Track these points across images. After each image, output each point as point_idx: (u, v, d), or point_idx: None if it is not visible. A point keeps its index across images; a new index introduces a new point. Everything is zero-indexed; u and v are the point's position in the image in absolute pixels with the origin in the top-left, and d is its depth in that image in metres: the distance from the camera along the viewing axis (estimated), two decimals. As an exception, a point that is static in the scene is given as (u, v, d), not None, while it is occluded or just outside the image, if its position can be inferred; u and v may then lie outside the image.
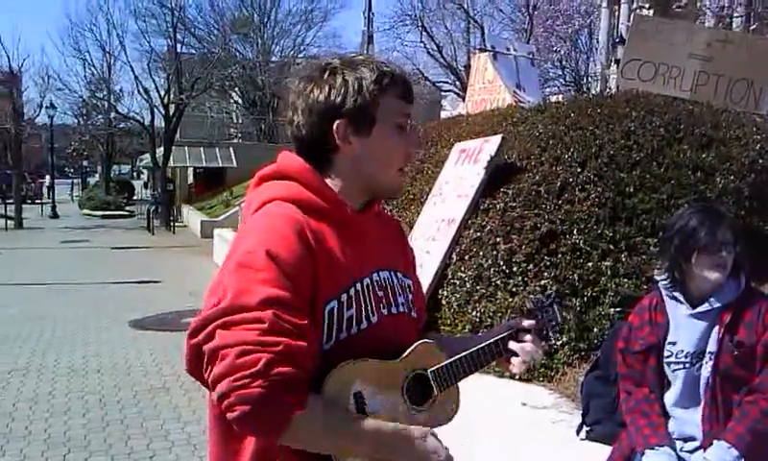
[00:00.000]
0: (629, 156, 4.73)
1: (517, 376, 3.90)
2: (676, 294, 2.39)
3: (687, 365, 2.36)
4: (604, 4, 23.24)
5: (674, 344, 2.39)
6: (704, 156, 4.85)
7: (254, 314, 1.27)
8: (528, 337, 1.64)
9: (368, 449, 1.36)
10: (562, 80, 23.02)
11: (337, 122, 1.46)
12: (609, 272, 4.14)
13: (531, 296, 1.90)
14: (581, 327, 3.95)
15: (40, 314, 9.32)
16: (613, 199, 4.46)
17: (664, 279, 2.43)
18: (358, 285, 1.46)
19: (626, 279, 4.11)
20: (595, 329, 3.92)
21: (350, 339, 1.42)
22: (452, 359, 1.56)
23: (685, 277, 2.35)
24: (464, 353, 1.58)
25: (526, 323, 1.67)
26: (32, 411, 5.67)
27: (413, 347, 1.52)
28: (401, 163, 1.54)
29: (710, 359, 2.31)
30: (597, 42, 24.90)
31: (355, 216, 1.52)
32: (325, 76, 1.48)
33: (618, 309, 3.93)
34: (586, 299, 4.06)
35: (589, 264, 4.18)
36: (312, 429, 1.29)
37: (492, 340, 1.63)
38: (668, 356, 2.40)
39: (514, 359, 1.62)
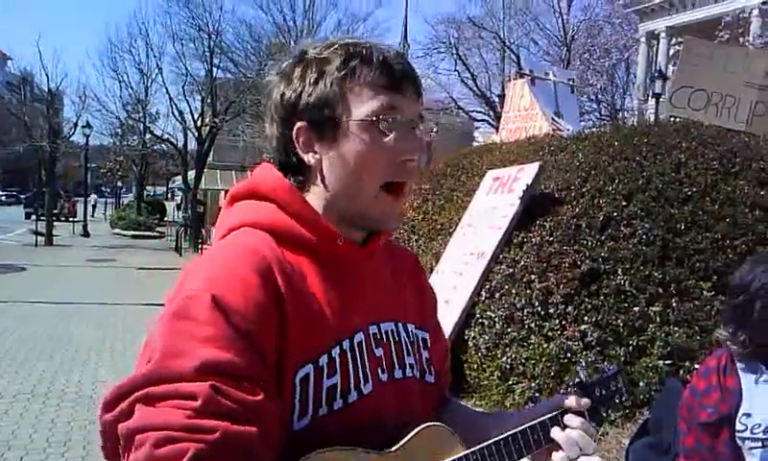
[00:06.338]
0: (680, 190, 4.31)
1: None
2: (759, 365, 1.97)
3: (767, 442, 1.93)
4: (642, 38, 22.95)
5: (749, 416, 1.96)
6: (762, 192, 4.42)
7: (186, 387, 0.92)
8: (577, 422, 1.22)
9: None
10: (597, 114, 22.66)
11: (297, 126, 1.11)
12: (657, 318, 3.71)
13: (580, 368, 1.41)
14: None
15: (55, 335, 9.09)
16: (663, 237, 4.04)
17: (741, 350, 2.01)
18: (346, 343, 1.09)
19: (677, 328, 3.67)
20: (641, 384, 3.48)
21: (334, 416, 1.06)
22: (470, 451, 1.17)
23: None
24: (487, 443, 1.17)
25: (574, 401, 1.26)
26: (30, 440, 5.36)
27: (414, 432, 1.13)
28: (383, 177, 1.12)
29: None
30: (634, 77, 24.58)
31: (350, 250, 1.15)
32: (290, 66, 1.14)
33: (668, 361, 3.48)
34: (631, 348, 3.64)
35: (636, 309, 3.76)
36: None
37: (527, 425, 1.23)
38: (742, 431, 1.97)
39: (555, 456, 1.21)
